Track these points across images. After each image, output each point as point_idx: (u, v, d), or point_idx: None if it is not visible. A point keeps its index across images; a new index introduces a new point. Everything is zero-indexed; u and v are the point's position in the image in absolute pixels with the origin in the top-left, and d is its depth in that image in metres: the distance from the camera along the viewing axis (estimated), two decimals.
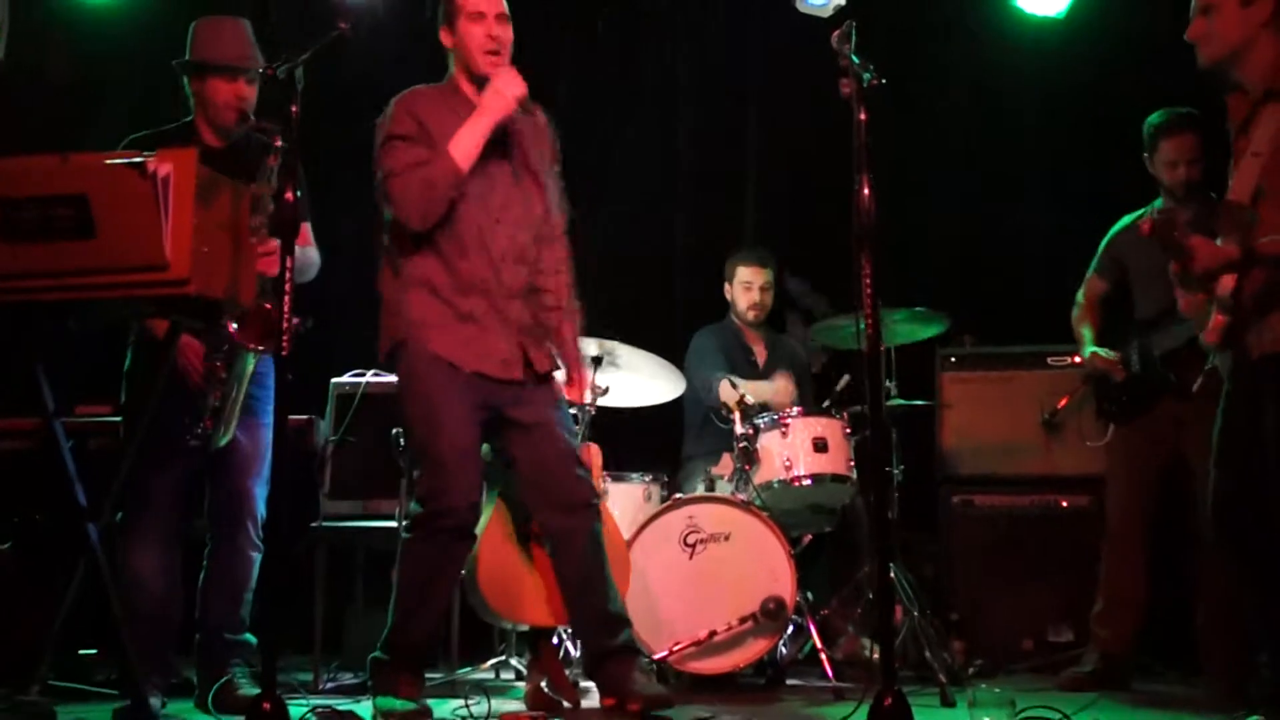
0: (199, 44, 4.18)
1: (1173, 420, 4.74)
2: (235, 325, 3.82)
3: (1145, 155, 4.87)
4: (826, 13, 5.76)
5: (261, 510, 4.13)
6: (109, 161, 2.98)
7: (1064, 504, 5.49)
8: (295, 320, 3.65)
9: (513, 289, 3.84)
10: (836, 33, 3.36)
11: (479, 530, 3.95)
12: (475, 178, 3.79)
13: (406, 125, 3.80)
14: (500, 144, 3.85)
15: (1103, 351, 4.95)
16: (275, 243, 3.99)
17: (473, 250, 3.79)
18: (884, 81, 3.29)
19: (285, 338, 3.24)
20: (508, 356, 3.81)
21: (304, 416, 5.06)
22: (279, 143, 3.79)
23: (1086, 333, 5.06)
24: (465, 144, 3.74)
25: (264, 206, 3.80)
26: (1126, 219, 5.01)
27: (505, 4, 3.88)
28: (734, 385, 5.16)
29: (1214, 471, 3.69)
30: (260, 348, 3.91)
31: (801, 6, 5.85)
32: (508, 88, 3.77)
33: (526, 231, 3.88)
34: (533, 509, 3.98)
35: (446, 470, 3.73)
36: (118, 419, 4.33)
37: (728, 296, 5.83)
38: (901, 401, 5.18)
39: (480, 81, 3.84)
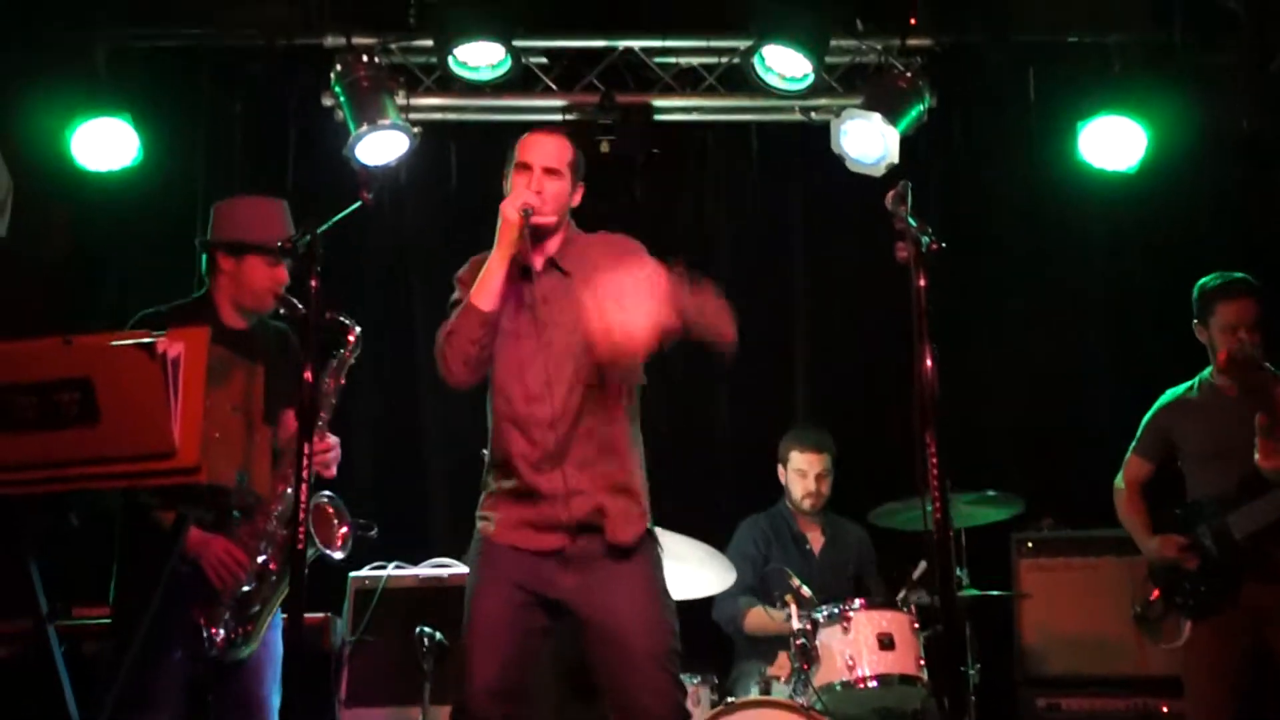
0: (238, 222, 4.23)
1: (1258, 610, 4.63)
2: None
3: (1195, 320, 4.87)
4: (879, 172, 5.91)
5: None
6: (115, 343, 3.02)
7: (1164, 709, 5.35)
8: (357, 524, 3.70)
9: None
10: (891, 193, 3.38)
11: None
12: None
13: (458, 291, 3.88)
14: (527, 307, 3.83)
15: (1165, 537, 4.85)
16: (333, 440, 4.09)
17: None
18: (944, 245, 3.32)
19: (301, 527, 3.25)
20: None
21: (320, 615, 5.03)
22: (352, 336, 3.95)
23: (1137, 519, 4.99)
24: (481, 283, 3.74)
25: (329, 403, 3.89)
26: (1172, 392, 4.98)
27: (562, 159, 3.89)
28: (769, 611, 5.12)
29: None
30: (336, 546, 3.93)
31: (853, 166, 6.00)
32: (510, 205, 3.74)
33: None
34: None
35: None
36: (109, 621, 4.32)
37: (781, 480, 5.81)
38: (975, 592, 5.11)
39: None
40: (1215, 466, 4.75)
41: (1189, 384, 4.94)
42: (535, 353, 3.79)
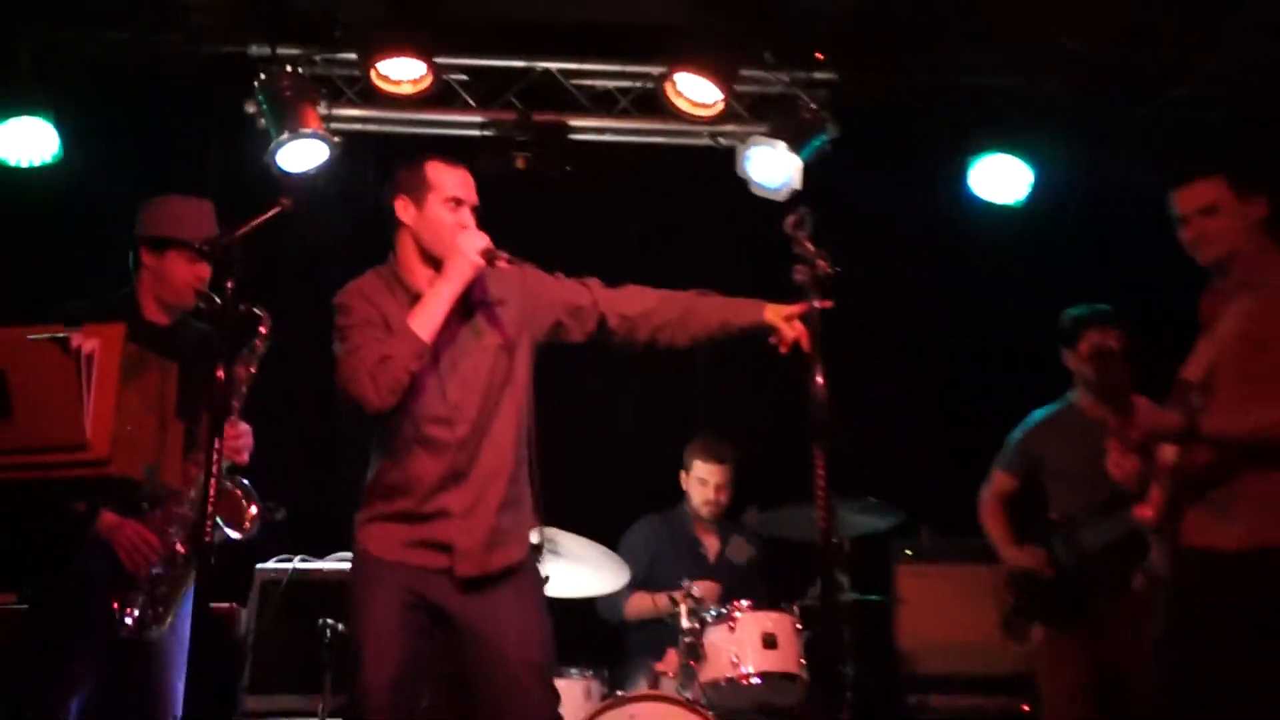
0: (163, 219, 4.18)
1: (1106, 619, 4.71)
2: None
3: (1063, 347, 4.95)
4: (781, 197, 5.95)
5: (179, 708, 3.98)
6: (30, 337, 2.95)
7: (1025, 709, 5.42)
8: (265, 506, 3.64)
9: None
10: (791, 218, 3.41)
11: None
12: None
13: (349, 316, 3.72)
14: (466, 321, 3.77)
15: (1024, 549, 4.93)
16: (245, 427, 4.04)
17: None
18: (838, 269, 3.33)
19: (209, 522, 3.19)
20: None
21: (227, 604, 4.95)
22: (264, 327, 3.86)
23: (999, 531, 5.06)
24: (425, 314, 3.64)
25: (240, 391, 3.82)
26: (1038, 413, 5.09)
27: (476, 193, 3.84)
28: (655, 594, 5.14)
29: (1159, 674, 3.68)
30: (245, 529, 3.87)
31: (757, 190, 6.03)
32: (470, 248, 3.66)
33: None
34: None
35: None
36: (21, 607, 4.22)
37: (683, 485, 5.81)
38: (856, 595, 5.14)
39: (438, 263, 3.73)
40: (1074, 484, 4.84)
41: (1054, 406, 5.03)
42: (446, 378, 3.70)
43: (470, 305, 3.78)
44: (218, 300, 3.86)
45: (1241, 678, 3.47)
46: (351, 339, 3.67)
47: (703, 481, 5.74)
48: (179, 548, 3.89)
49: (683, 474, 5.83)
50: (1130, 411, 3.54)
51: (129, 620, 3.83)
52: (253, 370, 4.11)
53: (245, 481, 4.15)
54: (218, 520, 3.77)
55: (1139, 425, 3.55)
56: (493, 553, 3.68)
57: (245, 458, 4.06)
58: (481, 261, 3.66)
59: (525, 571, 3.79)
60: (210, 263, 4.10)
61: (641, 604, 5.43)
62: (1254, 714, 3.45)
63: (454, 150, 3.99)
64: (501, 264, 3.70)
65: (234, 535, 4.05)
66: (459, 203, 3.77)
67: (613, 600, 5.47)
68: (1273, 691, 3.44)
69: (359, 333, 3.67)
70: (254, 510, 4.00)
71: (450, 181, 3.79)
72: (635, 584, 5.47)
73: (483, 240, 3.69)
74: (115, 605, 3.83)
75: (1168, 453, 3.64)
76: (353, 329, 3.69)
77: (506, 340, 3.79)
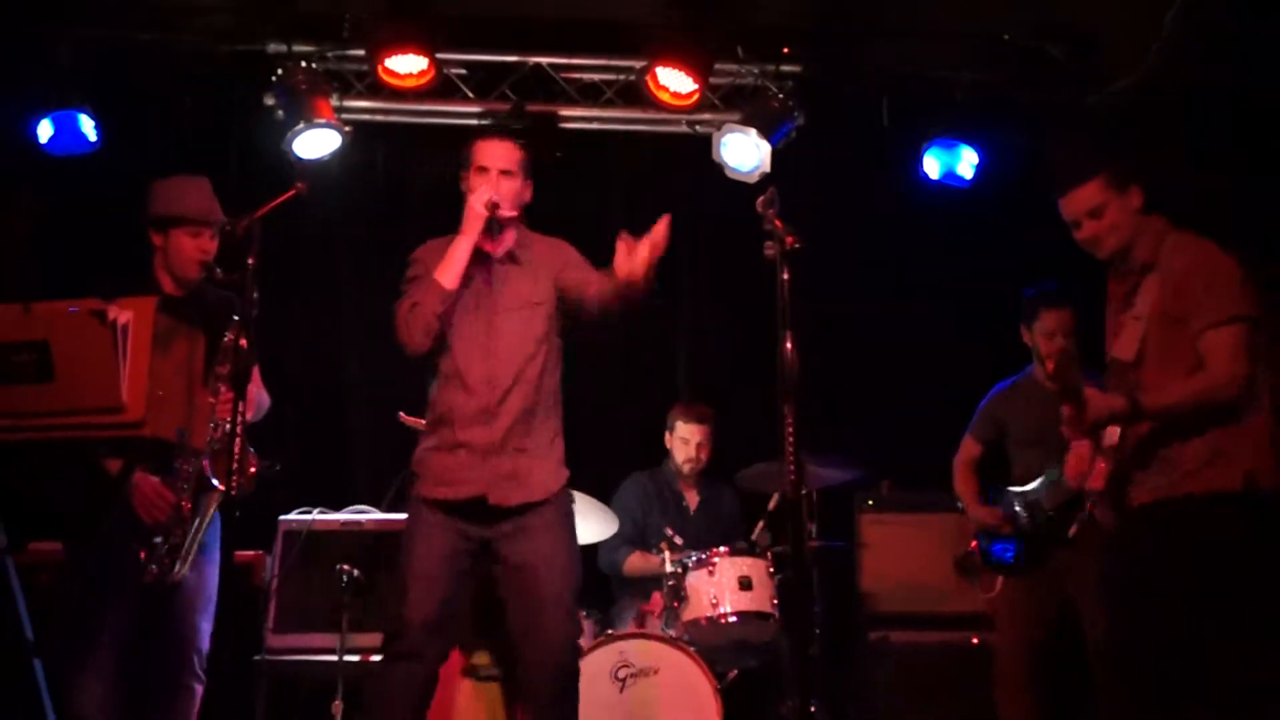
0: (165, 200, 4.16)
1: (1061, 571, 4.73)
2: (208, 464, 3.79)
3: (1023, 324, 4.96)
4: (753, 180, 5.95)
5: (205, 644, 4.02)
6: (71, 309, 2.95)
7: (974, 641, 5.46)
8: (264, 463, 3.64)
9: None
10: (762, 198, 3.41)
11: None
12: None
13: (414, 269, 3.96)
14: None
15: (987, 508, 4.95)
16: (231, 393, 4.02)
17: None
18: (805, 244, 3.34)
19: (236, 477, 3.21)
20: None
21: (252, 552, 4.96)
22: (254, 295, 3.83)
23: (967, 492, 5.08)
24: (446, 263, 3.84)
25: (230, 356, 3.81)
26: (1002, 384, 5.10)
27: (514, 159, 3.99)
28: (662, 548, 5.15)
29: (1105, 619, 3.71)
30: (238, 487, 3.87)
31: (730, 174, 6.03)
32: (477, 200, 3.86)
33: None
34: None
35: None
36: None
37: (667, 444, 5.83)
38: (822, 542, 5.17)
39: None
40: (1034, 449, 4.84)
41: (1015, 377, 5.04)
42: (485, 325, 3.88)
43: (508, 263, 3.98)
44: (220, 273, 3.87)
45: (1172, 615, 3.51)
46: (405, 290, 3.92)
47: (684, 440, 5.75)
48: (185, 504, 3.89)
49: (667, 435, 5.83)
50: (1084, 404, 3.58)
51: (153, 567, 3.86)
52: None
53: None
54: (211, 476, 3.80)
55: (1092, 415, 3.60)
56: (514, 488, 3.80)
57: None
58: (485, 212, 3.84)
59: (554, 508, 3.88)
60: (229, 239, 4.09)
61: (638, 563, 5.45)
62: (1186, 650, 3.49)
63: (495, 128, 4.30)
64: (503, 213, 3.89)
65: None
66: (484, 169, 3.96)
67: (612, 558, 5.51)
68: (1202, 623, 3.49)
69: (411, 285, 3.91)
70: (253, 468, 4.01)
71: (481, 152, 3.99)
72: (626, 537, 5.49)
73: (489, 194, 3.86)
74: (141, 554, 3.85)
75: (1111, 431, 3.67)
76: (409, 282, 3.95)
77: (537, 298, 3.96)
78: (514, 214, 3.96)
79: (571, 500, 4.00)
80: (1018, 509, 4.82)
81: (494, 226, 3.91)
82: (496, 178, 3.93)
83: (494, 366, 3.85)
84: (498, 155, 3.98)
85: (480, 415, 3.82)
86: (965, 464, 5.11)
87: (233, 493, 3.49)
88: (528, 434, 3.86)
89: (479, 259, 3.92)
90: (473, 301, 3.91)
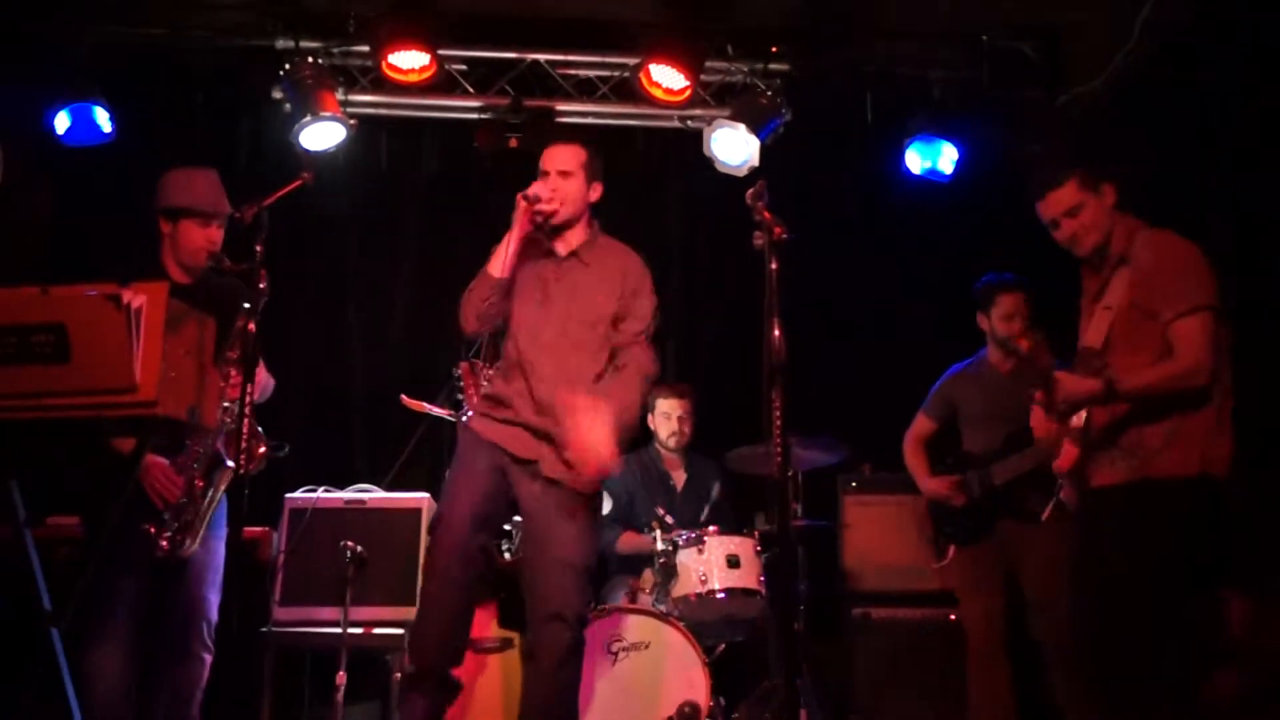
0: (174, 191, 4.16)
1: (1012, 541, 4.78)
2: (221, 444, 3.80)
3: (979, 311, 5.00)
4: (742, 173, 5.96)
5: (214, 615, 4.03)
6: (88, 293, 2.96)
7: (952, 617, 5.48)
8: (272, 445, 3.66)
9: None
10: (751, 191, 3.43)
11: None
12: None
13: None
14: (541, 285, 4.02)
15: (938, 479, 5.01)
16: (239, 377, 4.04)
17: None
18: (792, 235, 3.35)
19: (243, 457, 3.22)
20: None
21: (259, 529, 4.96)
22: (263, 284, 3.84)
23: (920, 465, 5.12)
24: (496, 254, 3.95)
25: (240, 341, 3.81)
26: (956, 366, 5.15)
27: (573, 160, 4.05)
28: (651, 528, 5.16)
29: (1071, 597, 3.74)
30: (250, 466, 3.88)
31: (720, 167, 6.04)
32: (520, 198, 3.94)
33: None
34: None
35: None
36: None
37: (650, 425, 5.83)
38: (808, 522, 5.19)
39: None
40: (985, 426, 4.91)
41: (969, 360, 5.09)
42: (542, 316, 3.96)
43: (572, 260, 4.05)
44: (226, 262, 3.88)
45: (1132, 593, 3.54)
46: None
47: (667, 416, 5.75)
48: (197, 482, 3.91)
49: (649, 416, 5.83)
50: (1055, 386, 3.60)
51: (163, 543, 3.89)
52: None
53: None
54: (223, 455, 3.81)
55: (1064, 396, 3.61)
56: (547, 463, 3.85)
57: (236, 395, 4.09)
58: (523, 204, 3.94)
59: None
60: (238, 227, 4.09)
61: (630, 541, 5.46)
62: (1143, 630, 3.51)
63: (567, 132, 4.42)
64: (541, 208, 3.95)
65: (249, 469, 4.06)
66: (545, 173, 4.06)
67: (607, 538, 5.50)
68: (1161, 600, 3.52)
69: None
70: (262, 450, 4.02)
71: (543, 158, 4.10)
72: (615, 516, 5.50)
73: (534, 191, 3.96)
74: (151, 530, 3.87)
75: (1078, 415, 3.70)
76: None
77: (594, 314, 3.99)
78: (557, 208, 3.99)
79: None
80: (971, 482, 4.89)
81: (544, 222, 3.98)
82: (554, 179, 4.01)
83: (542, 351, 3.94)
84: (554, 158, 4.06)
85: (528, 395, 3.90)
86: (915, 439, 5.17)
87: (242, 472, 3.51)
88: (566, 416, 3.87)
89: (544, 254, 4.04)
90: (536, 294, 4.00)
